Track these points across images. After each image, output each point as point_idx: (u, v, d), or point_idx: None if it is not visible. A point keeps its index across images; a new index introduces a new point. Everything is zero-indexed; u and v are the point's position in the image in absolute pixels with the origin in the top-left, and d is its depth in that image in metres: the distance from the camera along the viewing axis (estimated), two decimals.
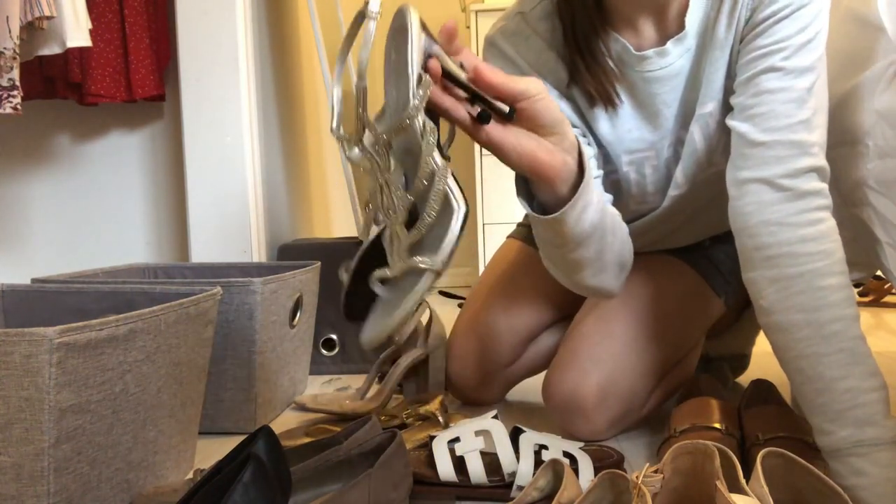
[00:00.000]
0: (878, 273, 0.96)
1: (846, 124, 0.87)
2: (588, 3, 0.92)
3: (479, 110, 0.69)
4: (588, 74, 0.94)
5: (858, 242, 0.89)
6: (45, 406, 0.69)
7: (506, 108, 0.69)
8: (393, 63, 0.68)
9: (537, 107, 0.70)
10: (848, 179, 0.87)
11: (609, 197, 0.99)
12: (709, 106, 0.94)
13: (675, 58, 0.93)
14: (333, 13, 1.99)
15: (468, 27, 2.60)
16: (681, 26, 0.92)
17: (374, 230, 0.74)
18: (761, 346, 1.26)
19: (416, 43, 0.66)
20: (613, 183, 1.04)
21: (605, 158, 1.01)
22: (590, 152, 0.98)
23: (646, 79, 0.95)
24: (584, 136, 0.99)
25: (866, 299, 2.17)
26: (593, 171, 0.97)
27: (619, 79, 0.96)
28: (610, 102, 0.96)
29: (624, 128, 0.98)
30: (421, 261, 0.65)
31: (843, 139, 0.88)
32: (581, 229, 0.81)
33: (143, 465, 0.85)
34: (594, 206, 0.82)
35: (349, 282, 0.79)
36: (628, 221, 1.09)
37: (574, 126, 0.98)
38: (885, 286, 2.15)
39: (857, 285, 2.22)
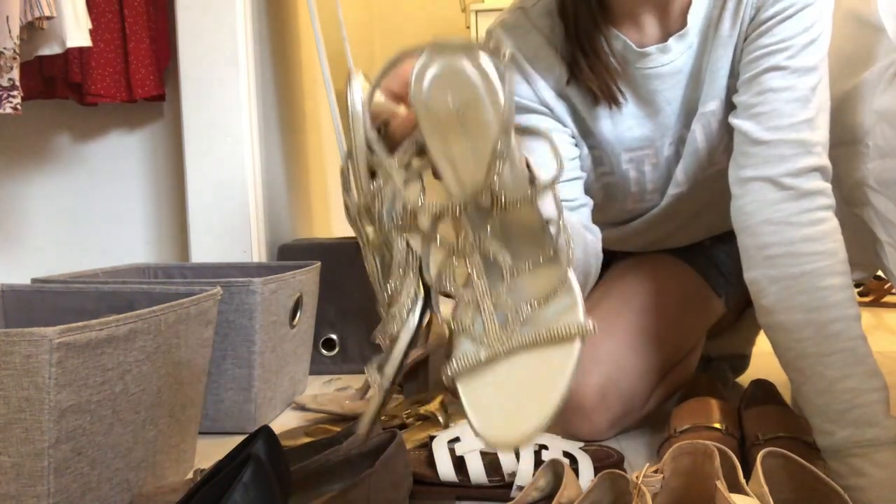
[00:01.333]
0: (879, 273, 0.96)
1: (846, 124, 0.87)
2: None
3: None
4: (590, 72, 0.93)
5: (859, 242, 0.89)
6: (45, 406, 0.69)
7: None
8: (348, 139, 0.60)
9: None
10: (848, 179, 0.87)
11: (587, 201, 0.98)
12: (711, 104, 0.93)
13: (676, 54, 0.93)
14: (333, 13, 1.98)
15: (468, 27, 2.60)
16: (683, 23, 0.92)
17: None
18: (761, 346, 1.26)
19: (361, 123, 0.58)
20: (607, 185, 1.04)
21: (600, 160, 1.01)
22: (572, 153, 0.98)
23: (647, 75, 0.95)
24: (573, 137, 0.99)
25: (866, 299, 2.17)
26: (574, 171, 0.97)
27: (621, 76, 0.95)
28: (613, 100, 0.95)
29: (625, 125, 0.98)
30: (373, 377, 0.59)
31: (843, 139, 0.88)
32: None
33: (143, 465, 0.85)
34: None
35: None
36: (627, 221, 1.09)
37: (564, 127, 0.97)
38: (885, 286, 2.15)
39: (857, 285, 2.21)
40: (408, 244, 0.58)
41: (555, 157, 0.56)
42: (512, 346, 0.55)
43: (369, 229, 0.58)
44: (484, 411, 0.55)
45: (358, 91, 0.58)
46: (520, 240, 0.56)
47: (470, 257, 0.56)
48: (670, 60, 0.93)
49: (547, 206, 0.56)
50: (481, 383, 0.56)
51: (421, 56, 0.53)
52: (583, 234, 0.90)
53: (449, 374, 0.56)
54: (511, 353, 0.55)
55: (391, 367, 0.58)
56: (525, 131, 0.58)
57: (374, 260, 0.59)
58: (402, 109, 0.59)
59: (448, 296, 0.59)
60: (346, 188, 0.59)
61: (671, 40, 0.92)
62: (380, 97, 0.59)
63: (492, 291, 0.56)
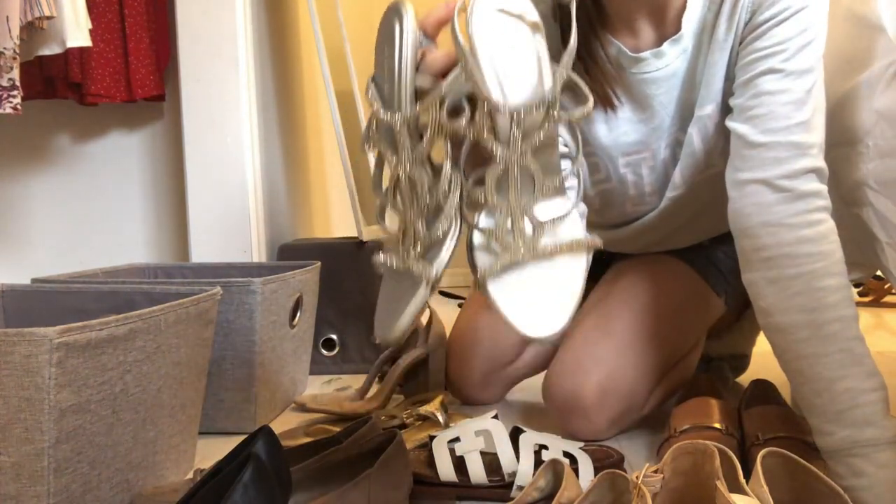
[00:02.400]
0: (878, 273, 0.96)
1: (846, 124, 0.87)
2: (586, 4, 0.93)
3: None
4: (587, 76, 0.94)
5: (858, 242, 0.89)
6: (45, 406, 0.69)
7: None
8: (386, 57, 0.68)
9: None
10: (848, 179, 0.87)
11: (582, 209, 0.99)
12: (707, 108, 0.94)
13: (671, 59, 0.94)
14: (333, 13, 1.98)
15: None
16: (678, 28, 0.92)
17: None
18: (761, 346, 1.26)
19: (411, 38, 0.66)
20: (604, 192, 1.04)
21: (596, 167, 1.02)
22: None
23: (642, 80, 0.95)
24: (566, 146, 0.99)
25: (866, 299, 2.17)
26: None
27: (616, 80, 0.96)
28: (609, 103, 0.97)
29: (620, 129, 0.99)
30: (420, 269, 0.66)
31: (842, 139, 0.88)
32: None
33: (143, 465, 0.85)
34: None
35: None
36: (627, 223, 1.10)
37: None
38: (885, 286, 2.15)
39: (857, 285, 2.21)
40: (452, 156, 0.66)
41: (583, 93, 0.67)
42: (536, 254, 0.65)
43: (408, 144, 0.65)
44: (518, 309, 0.64)
45: (411, 15, 0.66)
46: (546, 163, 0.66)
47: (512, 170, 0.64)
48: (665, 65, 0.94)
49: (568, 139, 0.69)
50: (510, 286, 0.65)
51: None
52: None
53: (481, 279, 0.65)
54: (534, 259, 0.65)
55: (440, 263, 0.66)
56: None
57: (406, 175, 0.66)
58: (432, 47, 0.68)
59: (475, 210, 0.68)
60: (388, 103, 0.66)
61: (665, 45, 0.93)
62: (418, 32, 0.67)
63: (524, 204, 0.65)
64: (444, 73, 0.68)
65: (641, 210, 1.06)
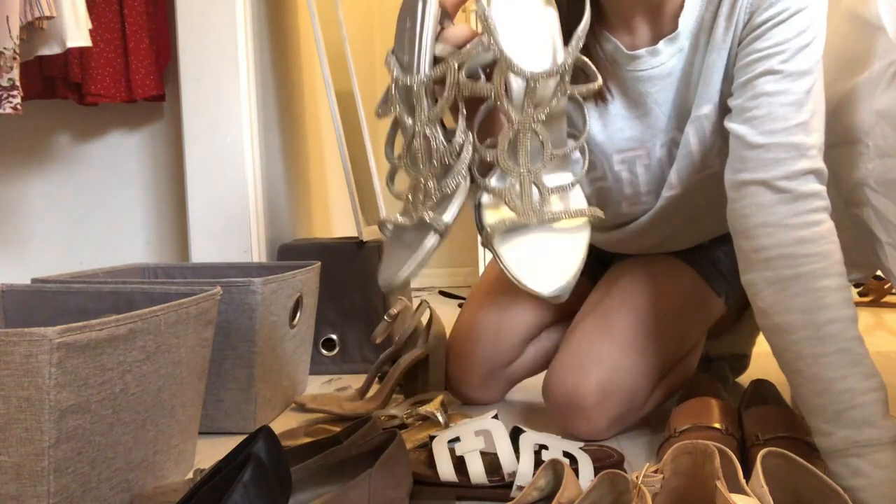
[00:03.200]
0: (878, 273, 0.96)
1: (846, 124, 0.87)
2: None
3: None
4: (584, 76, 0.94)
5: (858, 242, 0.89)
6: (45, 406, 0.69)
7: None
8: (408, 29, 0.72)
9: None
10: (848, 179, 0.87)
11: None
12: (705, 108, 0.94)
13: (666, 57, 0.94)
14: (333, 13, 1.99)
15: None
16: (674, 27, 0.93)
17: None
18: (761, 346, 1.26)
19: (433, 10, 0.71)
20: (600, 190, 1.04)
21: (592, 164, 1.02)
22: None
23: (637, 78, 0.96)
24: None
25: (866, 299, 2.17)
26: None
27: (610, 77, 0.97)
28: (600, 97, 0.98)
29: (615, 126, 0.99)
30: (431, 217, 0.69)
31: (842, 139, 0.88)
32: None
33: (143, 465, 0.85)
34: None
35: None
36: (624, 224, 1.10)
37: None
38: (885, 286, 2.15)
39: (857, 285, 2.22)
40: (466, 119, 0.70)
41: (592, 72, 0.72)
42: (541, 218, 0.69)
43: (426, 104, 0.69)
44: (522, 265, 0.68)
45: None
46: (555, 135, 0.70)
47: (523, 134, 0.68)
48: (660, 63, 0.94)
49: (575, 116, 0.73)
50: (516, 245, 0.68)
51: None
52: None
53: (489, 235, 0.68)
54: (540, 222, 0.69)
55: (451, 214, 0.70)
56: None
57: (421, 134, 0.70)
58: (450, 24, 0.73)
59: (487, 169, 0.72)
60: (407, 69, 0.70)
61: (661, 43, 0.93)
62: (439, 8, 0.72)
63: (533, 169, 0.69)
64: (461, 46, 0.72)
65: (638, 210, 1.06)
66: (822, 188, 0.79)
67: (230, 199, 1.65)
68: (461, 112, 0.70)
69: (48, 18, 1.23)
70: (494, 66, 0.69)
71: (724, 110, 0.90)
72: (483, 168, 0.72)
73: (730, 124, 0.85)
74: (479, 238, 0.72)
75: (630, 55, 0.95)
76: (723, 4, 0.89)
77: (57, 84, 1.60)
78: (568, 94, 0.70)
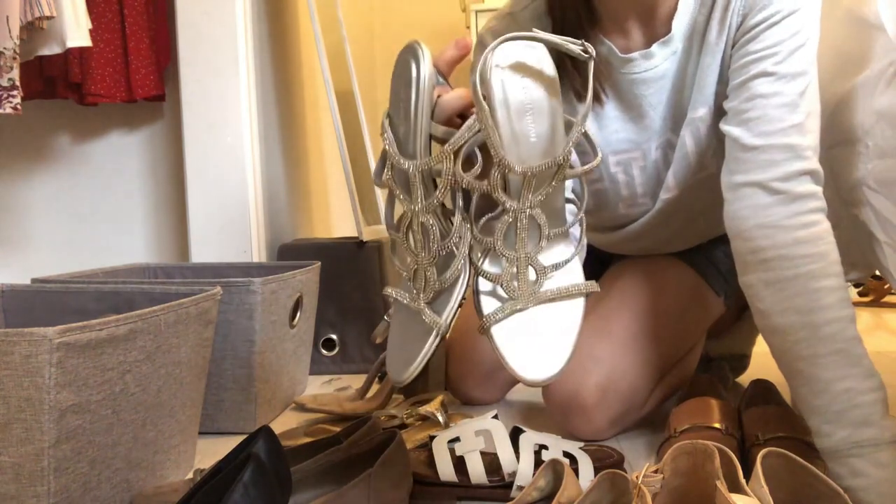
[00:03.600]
0: (877, 273, 0.96)
1: (846, 124, 0.87)
2: (578, 4, 0.93)
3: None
4: (575, 72, 0.94)
5: (857, 242, 0.89)
6: (45, 406, 0.69)
7: None
8: (402, 100, 0.69)
9: None
10: (847, 179, 0.87)
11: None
12: (700, 111, 0.94)
13: (660, 60, 0.94)
14: (333, 13, 1.99)
15: (468, 27, 2.60)
16: (668, 29, 0.93)
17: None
18: (761, 346, 1.26)
19: (428, 83, 0.67)
20: (597, 192, 1.04)
21: None
22: None
23: (631, 80, 0.96)
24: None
25: (866, 299, 2.17)
26: None
27: (604, 80, 0.98)
28: (596, 98, 0.98)
29: (610, 128, 1.00)
30: (430, 318, 0.68)
31: (842, 139, 0.88)
32: None
33: (143, 465, 0.85)
34: None
35: None
36: (622, 226, 1.10)
37: None
38: (885, 286, 2.15)
39: (857, 285, 2.21)
40: (462, 208, 0.69)
41: (591, 148, 0.70)
42: (538, 299, 0.68)
43: (422, 192, 0.67)
44: (518, 354, 0.66)
45: (428, 59, 0.67)
46: (552, 211, 0.69)
47: (520, 221, 0.67)
48: (654, 66, 0.95)
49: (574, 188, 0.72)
50: (511, 331, 0.67)
51: (490, 46, 0.64)
52: None
53: (486, 325, 0.67)
54: (537, 305, 0.68)
55: (449, 311, 0.69)
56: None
57: (419, 224, 0.69)
58: (446, 89, 0.70)
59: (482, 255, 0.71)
60: (403, 150, 0.68)
61: (655, 46, 0.94)
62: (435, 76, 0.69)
63: (529, 253, 0.68)
64: (458, 114, 0.69)
65: (635, 212, 1.06)
66: (817, 189, 0.79)
67: (230, 199, 1.65)
68: (457, 205, 0.69)
69: (48, 18, 1.23)
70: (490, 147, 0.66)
71: (719, 112, 0.90)
72: (480, 248, 0.71)
73: (725, 126, 0.85)
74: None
75: (624, 58, 0.95)
76: (716, 7, 0.89)
77: (57, 84, 1.60)
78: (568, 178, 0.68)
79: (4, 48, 1.16)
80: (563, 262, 0.69)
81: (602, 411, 1.04)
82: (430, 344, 0.68)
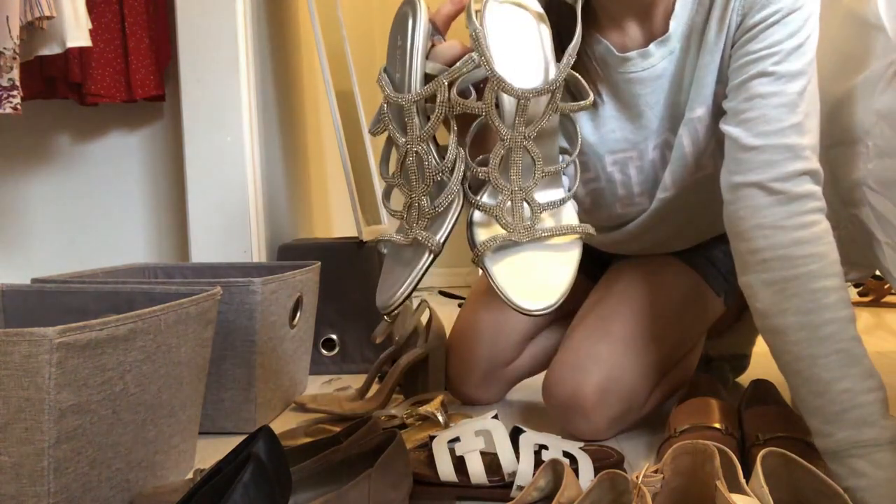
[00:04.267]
0: (877, 273, 0.96)
1: (845, 124, 0.87)
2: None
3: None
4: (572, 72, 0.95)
5: (857, 242, 0.89)
6: (45, 406, 0.69)
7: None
8: (399, 47, 0.72)
9: None
10: (847, 179, 0.87)
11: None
12: (698, 111, 0.94)
13: (657, 59, 0.94)
14: (333, 13, 1.99)
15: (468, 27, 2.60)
16: (666, 29, 0.93)
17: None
18: (761, 346, 1.26)
19: (423, 28, 0.71)
20: (594, 191, 1.04)
21: (585, 166, 1.02)
22: None
23: (628, 80, 0.96)
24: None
25: (866, 299, 2.17)
26: None
27: (601, 79, 0.97)
28: (590, 84, 0.98)
29: (607, 128, 1.00)
30: (424, 236, 0.69)
31: (842, 139, 0.88)
32: None
33: (143, 465, 0.85)
34: None
35: None
36: (620, 225, 1.10)
37: None
38: (885, 286, 2.15)
39: (857, 285, 2.21)
40: (458, 136, 0.70)
41: (584, 88, 0.72)
42: (532, 235, 0.69)
43: (417, 122, 0.69)
44: (514, 283, 0.68)
45: (424, 11, 0.71)
46: (546, 151, 0.70)
47: (515, 151, 0.68)
48: (651, 65, 0.95)
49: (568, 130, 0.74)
50: (505, 262, 0.69)
51: None
52: None
53: (479, 253, 0.69)
54: (531, 240, 0.69)
55: (443, 232, 0.70)
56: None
57: (414, 152, 0.70)
58: (442, 40, 0.74)
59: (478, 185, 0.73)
60: (399, 87, 0.71)
61: (652, 45, 0.94)
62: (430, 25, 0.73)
63: (524, 186, 0.69)
64: (452, 63, 0.71)
65: (632, 211, 1.06)
66: (817, 189, 0.79)
67: (230, 199, 1.65)
68: (452, 129, 0.71)
69: (48, 18, 1.23)
70: (485, 83, 0.69)
71: (717, 112, 0.90)
72: (475, 185, 0.73)
73: (724, 126, 0.85)
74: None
75: (621, 57, 0.95)
76: (714, 6, 0.89)
77: (57, 84, 1.61)
78: (559, 112, 0.70)
79: (4, 48, 1.16)
80: (559, 202, 0.71)
81: (602, 411, 1.04)
82: (424, 262, 0.69)
